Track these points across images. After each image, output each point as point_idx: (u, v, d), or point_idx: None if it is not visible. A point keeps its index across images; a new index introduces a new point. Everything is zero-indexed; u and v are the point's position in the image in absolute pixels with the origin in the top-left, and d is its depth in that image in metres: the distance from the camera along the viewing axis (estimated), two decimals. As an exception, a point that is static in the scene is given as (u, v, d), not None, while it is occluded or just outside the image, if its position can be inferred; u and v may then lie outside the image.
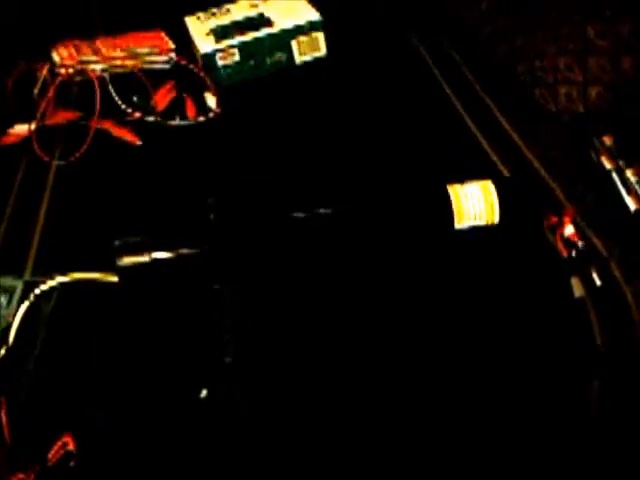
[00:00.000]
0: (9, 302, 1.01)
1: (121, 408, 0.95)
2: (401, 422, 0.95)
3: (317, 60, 1.49)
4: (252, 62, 1.45)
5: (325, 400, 0.98)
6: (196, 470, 0.92)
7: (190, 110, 1.39)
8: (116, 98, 1.37)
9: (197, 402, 0.93)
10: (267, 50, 1.45)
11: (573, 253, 1.01)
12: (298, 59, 1.48)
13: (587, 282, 1.01)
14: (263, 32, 1.44)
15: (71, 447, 0.90)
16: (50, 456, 0.89)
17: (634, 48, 1.21)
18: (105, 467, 0.91)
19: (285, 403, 0.98)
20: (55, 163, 1.27)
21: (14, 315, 0.99)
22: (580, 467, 0.99)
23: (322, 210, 1.05)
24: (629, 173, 1.12)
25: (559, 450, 1.00)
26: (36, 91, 1.33)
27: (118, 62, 1.43)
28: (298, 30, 1.45)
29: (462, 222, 1.02)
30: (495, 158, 1.20)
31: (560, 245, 1.03)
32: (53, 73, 1.37)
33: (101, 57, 1.43)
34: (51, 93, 1.32)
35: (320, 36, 1.47)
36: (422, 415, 0.95)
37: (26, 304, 0.99)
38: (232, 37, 1.44)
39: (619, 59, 1.23)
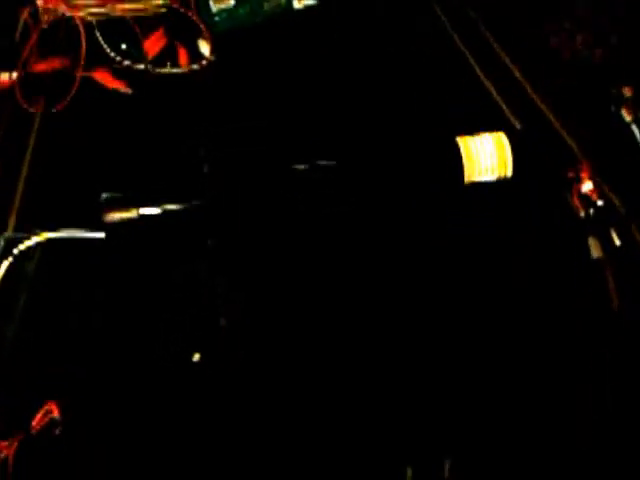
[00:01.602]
0: (-11, 260, 0.95)
1: (108, 373, 0.89)
2: (395, 404, 0.90)
3: (317, 4, 1.41)
4: (248, 7, 1.36)
5: (318, 372, 0.93)
6: (185, 436, 0.87)
7: (182, 57, 1.32)
8: (104, 45, 1.29)
9: (190, 365, 0.88)
10: (264, -6, 1.37)
11: (591, 212, 0.95)
12: (297, 4, 1.40)
13: (605, 243, 0.95)
14: (260, -25, 1.35)
15: (55, 414, 0.84)
16: (34, 424, 0.84)
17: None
18: (91, 434, 0.86)
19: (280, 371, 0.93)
20: (39, 113, 1.20)
21: (-6, 274, 0.93)
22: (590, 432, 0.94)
23: (324, 162, 0.98)
24: (650, 126, 1.06)
25: (573, 419, 0.95)
26: (17, 36, 1.25)
27: (106, 6, 1.35)
28: (297, -27, 1.37)
29: (473, 176, 0.96)
30: (507, 110, 1.13)
31: (577, 203, 0.96)
32: (36, 17, 1.29)
33: (88, 1, 1.35)
34: (34, 39, 1.24)
35: (321, -20, 1.39)
36: (419, 396, 0.90)
37: (6, 263, 0.93)
38: (227, -20, 1.35)
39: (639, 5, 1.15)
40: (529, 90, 1.14)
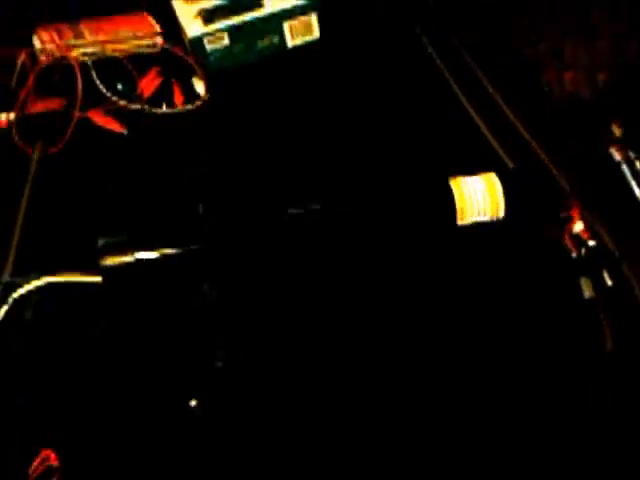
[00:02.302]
0: (-14, 305, 0.96)
1: (106, 418, 0.90)
2: (395, 416, 0.91)
3: (310, 44, 1.43)
4: (242, 46, 1.38)
5: (319, 403, 0.94)
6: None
7: (177, 97, 1.33)
8: (100, 85, 1.30)
9: (187, 411, 0.88)
10: (258, 33, 1.39)
11: (582, 251, 0.96)
12: (290, 43, 1.42)
13: (597, 282, 0.96)
14: (254, 15, 1.37)
15: (53, 462, 0.85)
16: (31, 472, 0.84)
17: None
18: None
19: (278, 406, 0.94)
20: (37, 155, 1.21)
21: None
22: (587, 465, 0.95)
23: (318, 206, 0.99)
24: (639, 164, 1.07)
25: (567, 451, 0.96)
26: (15, 78, 1.26)
27: (102, 47, 1.36)
28: (290, 12, 1.39)
29: (465, 218, 0.97)
30: (499, 149, 1.14)
31: (569, 242, 0.98)
32: (33, 59, 1.30)
33: (84, 41, 1.37)
34: (31, 80, 1.25)
35: (313, 18, 1.41)
36: (419, 413, 0.90)
37: (5, 308, 0.93)
38: (221, 20, 1.37)
39: (626, 43, 1.17)
40: (521, 129, 1.16)
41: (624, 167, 1.07)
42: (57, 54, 1.32)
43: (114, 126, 1.26)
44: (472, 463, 0.91)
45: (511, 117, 1.18)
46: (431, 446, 0.91)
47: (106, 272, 0.96)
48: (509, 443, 0.93)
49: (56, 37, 1.36)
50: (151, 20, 1.45)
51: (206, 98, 1.32)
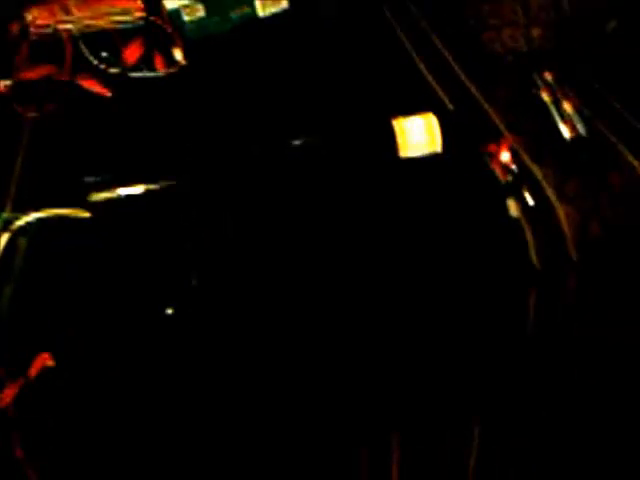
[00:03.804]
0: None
1: (95, 330, 1.03)
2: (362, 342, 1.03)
3: (280, 12, 1.56)
4: (217, 17, 1.51)
5: (282, 334, 1.06)
6: (166, 389, 1.01)
7: (158, 63, 1.46)
8: (87, 54, 1.44)
9: (164, 319, 1.02)
10: (231, 5, 1.52)
11: (509, 177, 1.09)
12: (261, 12, 1.55)
13: (522, 203, 1.09)
14: (226, -13, 1.50)
15: (50, 363, 0.98)
16: (30, 372, 0.97)
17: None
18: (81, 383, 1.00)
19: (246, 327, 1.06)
20: (31, 115, 1.34)
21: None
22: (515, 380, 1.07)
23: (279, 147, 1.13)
24: (566, 105, 1.20)
25: (497, 365, 1.09)
26: (9, 48, 1.40)
27: (89, 21, 1.50)
28: (260, -16, 1.52)
29: (406, 151, 1.10)
30: (443, 95, 1.27)
31: (498, 170, 1.11)
32: (26, 32, 1.44)
33: (72, 17, 1.50)
34: (24, 50, 1.39)
35: (282, -10, 1.54)
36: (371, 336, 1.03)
37: (5, 237, 1.07)
38: (197, -7, 1.50)
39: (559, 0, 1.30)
40: (463, 78, 1.29)
41: (551, 107, 1.20)
42: (48, 28, 1.45)
43: (100, 89, 1.39)
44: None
45: (456, 68, 1.31)
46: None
47: (93, 207, 1.10)
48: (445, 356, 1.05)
49: (47, 13, 1.50)
50: (134, -4, 1.59)
51: (183, 64, 1.45)
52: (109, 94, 1.39)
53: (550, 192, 1.10)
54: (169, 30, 1.49)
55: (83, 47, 1.44)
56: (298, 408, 1.05)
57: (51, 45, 1.45)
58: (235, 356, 1.02)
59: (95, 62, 1.43)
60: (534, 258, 1.06)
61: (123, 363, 0.99)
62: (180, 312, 1.01)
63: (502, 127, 1.19)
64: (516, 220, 1.06)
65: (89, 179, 1.10)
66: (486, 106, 1.23)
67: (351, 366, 1.03)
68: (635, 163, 1.15)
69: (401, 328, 1.02)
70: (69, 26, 1.48)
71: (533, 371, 1.13)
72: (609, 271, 1.11)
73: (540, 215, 1.07)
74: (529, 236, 1.07)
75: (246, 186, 1.12)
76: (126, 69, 1.44)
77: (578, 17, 1.29)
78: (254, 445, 1.02)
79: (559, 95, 1.21)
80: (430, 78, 1.32)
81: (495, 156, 1.09)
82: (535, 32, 1.31)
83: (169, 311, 1.01)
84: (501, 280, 1.06)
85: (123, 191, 1.09)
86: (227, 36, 1.53)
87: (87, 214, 1.10)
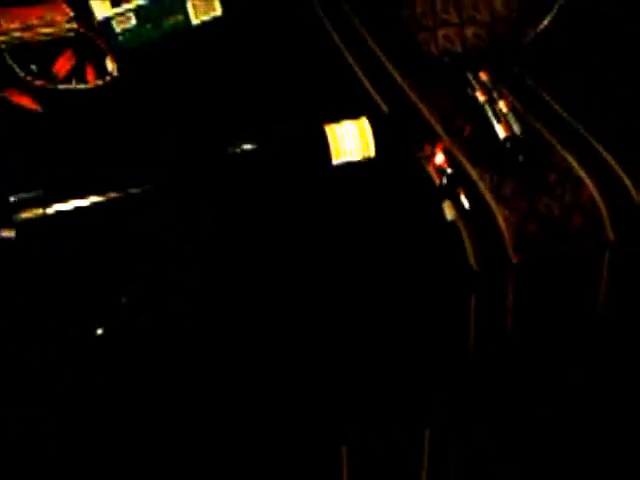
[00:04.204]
0: None
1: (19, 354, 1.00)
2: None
3: (213, 20, 1.53)
4: (149, 25, 1.49)
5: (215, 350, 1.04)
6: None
7: (90, 75, 1.43)
8: (15, 68, 1.40)
9: (94, 338, 0.99)
10: (163, 13, 1.49)
11: (444, 180, 1.08)
12: (194, 20, 1.53)
13: (458, 206, 1.08)
14: (158, -5, 1.48)
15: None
16: None
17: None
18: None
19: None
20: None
21: None
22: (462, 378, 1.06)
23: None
24: (501, 105, 1.19)
25: (441, 367, 1.07)
26: None
27: (17, 33, 1.46)
28: (192, -9, 1.49)
29: (339, 157, 1.08)
30: (378, 98, 1.26)
31: (433, 173, 1.09)
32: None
33: (0, 29, 1.46)
34: (-53, 66, 1.35)
35: (215, -4, 1.52)
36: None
37: None
38: (128, 2, 1.47)
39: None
40: (397, 79, 1.28)
41: (487, 107, 1.19)
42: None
43: (29, 104, 1.35)
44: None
45: (390, 69, 1.30)
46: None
47: (19, 226, 1.06)
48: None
49: (-28, 26, 1.45)
50: (64, 6, 1.55)
51: (115, 75, 1.42)
52: (39, 108, 1.35)
53: (487, 193, 1.09)
54: (100, 41, 1.46)
55: (10, 60, 1.40)
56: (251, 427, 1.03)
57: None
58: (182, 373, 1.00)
59: (23, 75, 1.39)
60: (472, 261, 1.04)
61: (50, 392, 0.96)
62: (110, 332, 0.98)
63: (437, 129, 1.18)
64: (452, 223, 1.04)
65: (16, 197, 1.06)
66: (421, 107, 1.22)
67: (285, 382, 1.01)
68: (571, 160, 1.15)
69: (336, 339, 1.01)
70: (-4, 39, 1.44)
71: (478, 376, 1.12)
72: (548, 270, 1.11)
73: (477, 217, 1.06)
74: (466, 239, 1.05)
75: (177, 197, 1.10)
76: (56, 82, 1.40)
77: (512, 16, 1.29)
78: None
79: (494, 95, 1.20)
80: (364, 80, 1.31)
81: (430, 158, 1.07)
82: (469, 32, 1.30)
83: (99, 331, 0.98)
84: (439, 285, 1.05)
85: (52, 208, 1.05)
86: (159, 45, 1.51)
87: (13, 233, 1.06)
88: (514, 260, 1.08)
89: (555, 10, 1.30)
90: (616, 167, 1.15)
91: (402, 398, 1.14)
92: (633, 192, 1.13)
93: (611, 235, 1.12)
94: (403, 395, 1.14)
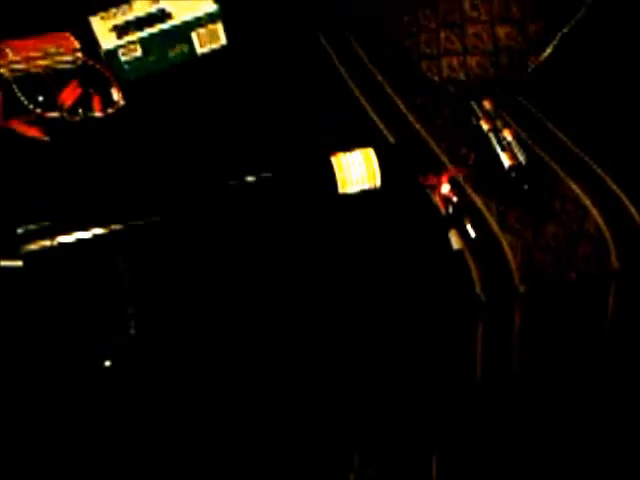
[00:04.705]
0: None
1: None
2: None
3: (218, 50, 1.55)
4: (154, 56, 1.50)
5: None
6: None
7: (96, 105, 1.44)
8: (22, 98, 1.41)
9: (102, 371, 0.98)
10: (168, 43, 1.50)
11: (450, 209, 1.08)
12: (199, 50, 1.54)
13: (465, 235, 1.08)
14: (163, 26, 1.49)
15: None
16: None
17: (507, 18, 1.29)
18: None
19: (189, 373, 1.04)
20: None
21: None
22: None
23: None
24: (505, 133, 1.20)
25: (450, 396, 1.07)
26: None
27: (23, 64, 1.47)
28: (197, 22, 1.51)
29: (346, 187, 1.09)
30: (383, 128, 1.27)
31: (439, 202, 1.10)
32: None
33: (6, 60, 1.47)
34: (-45, 96, 1.36)
35: (219, 27, 1.53)
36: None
37: None
38: (133, 33, 1.49)
39: (494, 29, 1.30)
40: (402, 108, 1.29)
41: (491, 135, 1.20)
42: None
43: (36, 133, 1.36)
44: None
45: (395, 98, 1.31)
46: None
47: (27, 256, 1.07)
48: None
49: (-20, 57, 1.47)
50: (71, 37, 1.57)
51: (121, 105, 1.43)
52: (46, 138, 1.36)
53: (492, 222, 1.10)
54: (106, 71, 1.47)
55: (17, 91, 1.41)
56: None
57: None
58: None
59: (30, 106, 1.40)
60: (479, 290, 1.04)
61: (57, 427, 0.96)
62: (119, 364, 0.98)
63: (442, 158, 1.18)
64: (459, 252, 1.05)
65: (23, 228, 1.06)
66: (426, 137, 1.23)
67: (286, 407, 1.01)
68: (576, 189, 1.15)
69: (344, 367, 1.00)
70: (3, 69, 1.45)
71: (484, 404, 1.11)
72: (555, 299, 1.11)
73: (483, 246, 1.06)
74: (473, 268, 1.05)
75: (186, 228, 1.10)
76: (63, 112, 1.41)
77: (515, 45, 1.30)
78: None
79: (498, 124, 1.21)
80: (369, 110, 1.32)
81: (436, 188, 1.08)
82: (473, 61, 1.31)
83: (107, 363, 0.98)
84: (446, 314, 1.05)
85: (59, 239, 1.06)
86: (165, 75, 1.52)
87: (20, 264, 1.06)
88: (520, 289, 1.08)
89: (557, 39, 1.30)
90: (621, 195, 1.16)
91: (409, 425, 1.14)
92: (638, 220, 1.14)
93: (617, 263, 1.12)
94: (410, 422, 1.14)
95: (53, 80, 1.46)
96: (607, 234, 1.12)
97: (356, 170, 1.09)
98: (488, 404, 1.13)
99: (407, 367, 1.04)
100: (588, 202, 1.14)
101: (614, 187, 1.16)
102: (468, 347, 1.07)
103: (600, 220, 1.13)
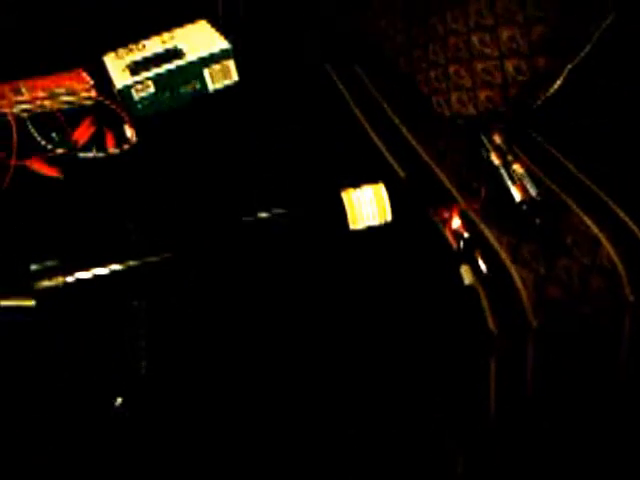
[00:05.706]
0: None
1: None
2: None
3: (230, 86, 1.56)
4: (167, 93, 1.52)
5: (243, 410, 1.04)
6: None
7: (109, 142, 1.45)
8: (36, 136, 1.43)
9: (113, 410, 0.98)
10: (181, 80, 1.52)
11: (461, 244, 1.08)
12: (211, 87, 1.56)
13: (476, 269, 1.08)
14: (175, 64, 1.51)
15: None
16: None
17: (516, 52, 1.30)
18: None
19: (199, 409, 1.04)
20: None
21: None
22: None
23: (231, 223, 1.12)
24: (516, 166, 1.20)
25: (464, 431, 1.06)
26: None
27: (38, 102, 1.49)
28: (209, 59, 1.52)
29: (357, 223, 1.09)
30: (394, 163, 1.27)
31: (450, 237, 1.10)
32: (-26, 117, 1.43)
33: (22, 98, 1.49)
34: (-29, 135, 1.37)
35: (231, 63, 1.55)
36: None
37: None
38: (146, 70, 1.51)
39: (503, 63, 1.31)
40: (412, 143, 1.30)
41: (502, 169, 1.20)
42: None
43: (50, 171, 1.38)
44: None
45: (405, 132, 1.32)
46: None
47: (39, 295, 1.07)
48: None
49: (-4, 96, 1.49)
50: (85, 75, 1.59)
51: (134, 142, 1.45)
52: (59, 176, 1.38)
53: (504, 257, 1.09)
54: (119, 108, 1.49)
55: (32, 129, 1.43)
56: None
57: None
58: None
59: (44, 143, 1.42)
60: (491, 325, 1.04)
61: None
62: (130, 402, 0.98)
63: (453, 192, 1.18)
64: (470, 287, 1.04)
65: (35, 266, 1.07)
66: (437, 171, 1.23)
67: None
68: (588, 222, 1.15)
69: (355, 404, 1.00)
70: (19, 108, 1.48)
71: (499, 439, 1.10)
72: (568, 333, 1.10)
73: (495, 281, 1.06)
74: (485, 303, 1.05)
75: (199, 265, 1.10)
76: (76, 149, 1.43)
77: (524, 79, 1.30)
78: None
79: (509, 157, 1.21)
80: (380, 145, 1.32)
81: (447, 222, 1.08)
82: (482, 95, 1.31)
83: (118, 400, 0.98)
84: (459, 349, 1.04)
85: (71, 277, 1.06)
86: (178, 111, 1.53)
87: (32, 302, 1.07)
88: (533, 323, 1.07)
89: (566, 72, 1.31)
90: (633, 227, 1.15)
91: (425, 459, 1.13)
92: (651, 252, 1.13)
93: (631, 296, 1.11)
94: (426, 456, 1.13)
95: (67, 118, 1.47)
96: (620, 267, 1.12)
97: (367, 207, 1.09)
98: (503, 439, 1.12)
99: (421, 404, 1.04)
100: (600, 235, 1.14)
101: (626, 219, 1.16)
102: (481, 382, 1.06)
103: (613, 253, 1.12)
